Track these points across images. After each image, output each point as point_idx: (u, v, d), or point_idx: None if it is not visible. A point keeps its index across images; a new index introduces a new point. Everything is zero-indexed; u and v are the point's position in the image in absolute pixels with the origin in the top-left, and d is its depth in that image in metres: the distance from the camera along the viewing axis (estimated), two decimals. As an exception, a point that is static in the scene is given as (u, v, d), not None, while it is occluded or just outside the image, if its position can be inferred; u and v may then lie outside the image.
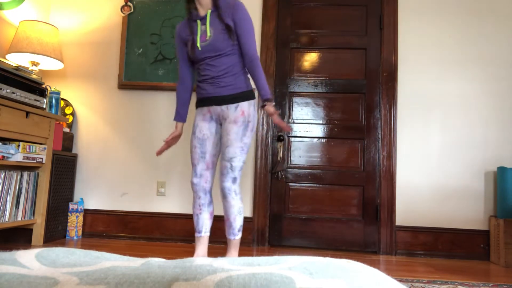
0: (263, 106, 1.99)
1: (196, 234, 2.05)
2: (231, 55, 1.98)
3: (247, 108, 1.99)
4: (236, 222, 1.99)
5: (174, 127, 2.16)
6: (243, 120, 1.97)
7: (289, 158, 2.91)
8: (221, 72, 1.98)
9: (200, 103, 2.06)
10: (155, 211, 2.92)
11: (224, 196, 1.99)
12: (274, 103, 2.03)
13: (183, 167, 2.93)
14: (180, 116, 2.14)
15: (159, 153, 2.09)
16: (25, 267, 0.55)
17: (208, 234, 2.06)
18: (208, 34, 1.96)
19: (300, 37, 2.98)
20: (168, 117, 2.98)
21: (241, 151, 1.96)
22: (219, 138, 2.07)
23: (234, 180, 1.97)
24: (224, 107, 2.00)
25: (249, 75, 2.07)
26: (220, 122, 2.06)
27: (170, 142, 2.13)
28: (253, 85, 2.82)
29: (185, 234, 2.86)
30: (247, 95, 2.01)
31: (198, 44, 1.98)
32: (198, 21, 2.00)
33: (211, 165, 2.05)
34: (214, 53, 1.97)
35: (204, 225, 2.04)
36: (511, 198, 2.52)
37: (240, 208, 1.99)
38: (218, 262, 0.60)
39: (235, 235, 2.00)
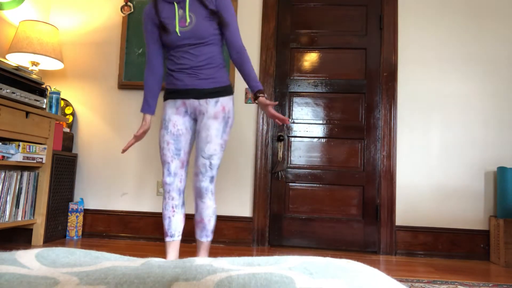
0: (256, 98, 1.85)
1: (167, 239, 1.86)
2: (212, 45, 1.82)
3: (227, 103, 1.85)
4: (211, 224, 1.86)
5: (142, 120, 1.94)
6: (224, 116, 1.83)
7: (289, 158, 2.91)
8: (201, 62, 1.82)
9: (173, 95, 1.87)
10: (155, 211, 2.92)
11: (200, 196, 1.83)
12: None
13: (183, 167, 2.93)
14: (150, 107, 1.93)
15: (126, 149, 1.87)
16: (25, 267, 0.55)
17: (180, 238, 1.89)
18: (188, 19, 1.79)
19: (300, 37, 2.98)
20: (168, 117, 2.98)
21: (220, 149, 1.83)
22: (193, 135, 1.91)
23: (211, 179, 1.83)
24: (203, 101, 1.83)
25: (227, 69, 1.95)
26: (195, 117, 1.89)
27: (140, 137, 1.94)
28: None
29: (185, 234, 2.86)
30: (227, 90, 1.87)
31: (177, 29, 1.78)
32: (175, 4, 1.80)
33: (186, 163, 1.88)
34: (195, 41, 1.79)
35: (178, 228, 1.87)
36: (511, 198, 2.52)
37: (214, 209, 1.87)
38: (218, 262, 0.60)
39: (208, 237, 1.87)
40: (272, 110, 1.83)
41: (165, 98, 1.91)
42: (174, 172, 1.85)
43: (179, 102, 1.86)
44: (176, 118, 1.87)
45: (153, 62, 1.93)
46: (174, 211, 1.86)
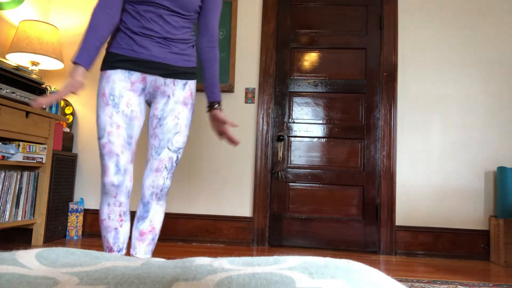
0: (211, 110, 1.58)
1: (114, 254, 1.31)
2: (189, 21, 1.52)
3: (194, 88, 1.58)
4: (158, 233, 1.54)
5: (72, 72, 1.34)
6: (192, 103, 1.56)
7: (289, 158, 2.91)
8: (176, 35, 1.48)
9: (128, 65, 1.44)
10: (155, 211, 2.92)
11: (158, 197, 1.51)
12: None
13: (183, 166, 2.93)
14: (89, 58, 1.36)
15: (43, 104, 1.34)
16: (25, 267, 0.55)
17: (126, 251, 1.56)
18: None
19: (300, 37, 2.98)
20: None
21: (185, 141, 1.57)
22: (143, 120, 1.53)
23: (171, 178, 1.55)
24: (169, 81, 1.50)
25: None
26: (149, 98, 1.54)
27: (62, 95, 1.33)
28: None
29: (185, 234, 2.86)
30: (195, 74, 1.58)
31: None
32: None
33: (133, 156, 1.50)
34: (176, 8, 1.46)
35: (126, 240, 1.49)
36: (511, 198, 2.52)
37: (164, 214, 1.57)
38: (218, 262, 0.60)
39: (151, 252, 1.54)
40: (229, 130, 1.60)
41: (111, 66, 1.43)
42: (124, 169, 1.43)
43: (136, 75, 1.45)
44: (130, 96, 1.44)
45: (110, 6, 1.40)
46: (122, 219, 1.46)
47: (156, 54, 1.46)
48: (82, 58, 1.35)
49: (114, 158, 1.41)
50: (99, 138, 1.42)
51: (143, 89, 1.49)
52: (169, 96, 1.50)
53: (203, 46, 1.57)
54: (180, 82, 1.52)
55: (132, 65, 1.44)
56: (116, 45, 1.45)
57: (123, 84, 1.44)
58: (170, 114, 1.50)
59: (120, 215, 1.46)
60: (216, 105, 1.58)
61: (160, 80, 1.49)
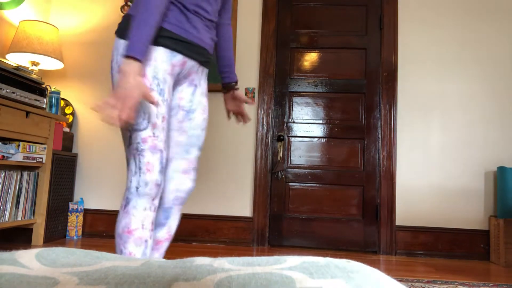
0: (230, 90, 1.49)
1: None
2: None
3: None
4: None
5: (131, 73, 1.03)
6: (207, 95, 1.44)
7: (289, 158, 2.91)
8: (216, 18, 1.33)
9: (174, 44, 1.19)
10: (155, 211, 2.92)
11: (181, 203, 1.34)
12: None
13: (183, 167, 2.93)
14: (146, 51, 1.07)
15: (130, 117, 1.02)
16: (25, 267, 0.55)
17: None
18: None
19: (300, 37, 2.98)
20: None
21: None
22: None
23: None
24: (201, 69, 1.33)
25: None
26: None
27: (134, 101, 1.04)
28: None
29: (185, 234, 2.86)
30: None
31: None
32: None
33: None
34: None
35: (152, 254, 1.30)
36: (511, 198, 2.52)
37: None
38: (218, 262, 0.60)
39: (162, 257, 1.37)
40: (242, 107, 1.52)
41: (159, 44, 1.17)
42: (164, 168, 1.21)
43: (178, 58, 1.22)
44: (170, 81, 1.22)
45: None
46: (152, 229, 1.21)
47: (203, 38, 1.27)
48: (143, 53, 1.05)
49: (159, 155, 1.17)
50: (139, 129, 1.14)
51: (178, 75, 1.26)
52: (196, 86, 1.33)
53: (225, 23, 1.44)
54: (205, 72, 1.37)
55: (178, 45, 1.20)
56: (168, 21, 1.18)
57: (165, 67, 1.19)
58: (198, 107, 1.33)
59: (152, 223, 1.20)
60: (236, 85, 1.49)
61: (195, 67, 1.30)
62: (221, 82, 1.50)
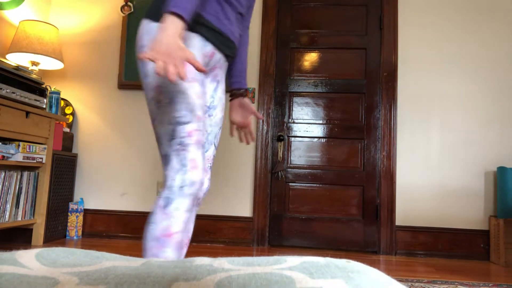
0: (238, 97, 1.36)
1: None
2: None
3: None
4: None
5: (176, 37, 0.90)
6: None
7: (289, 158, 2.91)
8: (245, 12, 1.25)
9: (207, 33, 1.11)
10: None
11: (198, 204, 1.28)
12: None
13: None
14: (192, 14, 0.96)
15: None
16: (25, 267, 0.55)
17: None
18: None
19: (300, 37, 2.98)
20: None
21: None
22: None
23: None
24: (226, 64, 1.27)
25: None
26: None
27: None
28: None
29: (185, 234, 2.86)
30: None
31: None
32: None
33: None
34: None
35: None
36: (511, 198, 2.52)
37: None
38: (218, 262, 0.60)
39: None
40: (249, 120, 1.39)
41: (191, 27, 1.08)
42: (203, 165, 1.09)
43: (209, 48, 1.14)
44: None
45: None
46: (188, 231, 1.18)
47: (234, 31, 1.19)
48: (186, 10, 0.90)
49: (201, 150, 1.06)
50: (184, 122, 1.03)
51: (205, 66, 1.17)
52: (218, 82, 1.25)
53: (246, 25, 1.37)
54: (226, 67, 1.30)
55: (210, 35, 1.12)
56: (207, 8, 1.11)
57: (200, 52, 1.10)
58: (219, 104, 1.26)
59: (188, 230, 1.11)
60: (245, 93, 1.38)
61: (221, 60, 1.22)
62: (229, 88, 1.39)
